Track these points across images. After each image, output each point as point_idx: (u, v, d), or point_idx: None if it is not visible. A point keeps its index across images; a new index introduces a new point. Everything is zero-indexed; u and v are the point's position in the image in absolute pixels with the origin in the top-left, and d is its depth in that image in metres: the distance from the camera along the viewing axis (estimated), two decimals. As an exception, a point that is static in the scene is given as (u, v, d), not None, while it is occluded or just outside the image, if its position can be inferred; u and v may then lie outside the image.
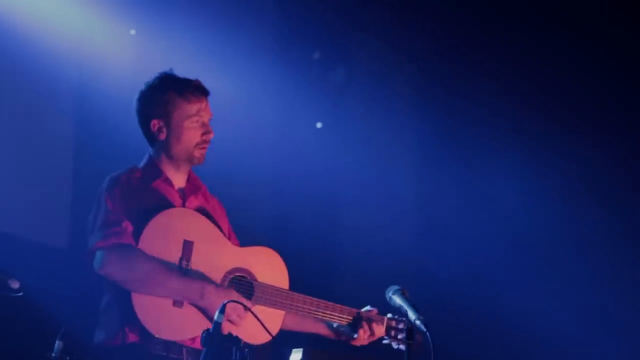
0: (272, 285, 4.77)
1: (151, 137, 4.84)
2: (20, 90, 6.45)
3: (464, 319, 7.08)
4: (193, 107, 4.78)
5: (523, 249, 7.24)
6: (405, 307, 4.30)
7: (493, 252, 7.24)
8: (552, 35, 7.24)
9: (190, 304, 4.56)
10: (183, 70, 4.92)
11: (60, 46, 6.54)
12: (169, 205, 4.72)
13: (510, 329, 7.03)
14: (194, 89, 4.81)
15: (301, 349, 4.34)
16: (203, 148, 4.81)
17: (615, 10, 7.10)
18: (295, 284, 4.88)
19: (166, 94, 4.78)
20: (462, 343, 6.87)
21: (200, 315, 4.56)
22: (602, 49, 7.13)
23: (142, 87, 4.84)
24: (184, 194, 4.85)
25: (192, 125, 4.78)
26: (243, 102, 6.98)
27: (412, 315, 4.24)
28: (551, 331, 7.08)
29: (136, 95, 4.85)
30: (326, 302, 4.88)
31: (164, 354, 4.52)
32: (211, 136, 4.82)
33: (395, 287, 4.43)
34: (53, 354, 4.40)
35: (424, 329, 4.16)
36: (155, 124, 4.79)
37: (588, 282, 7.08)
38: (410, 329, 4.16)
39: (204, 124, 4.81)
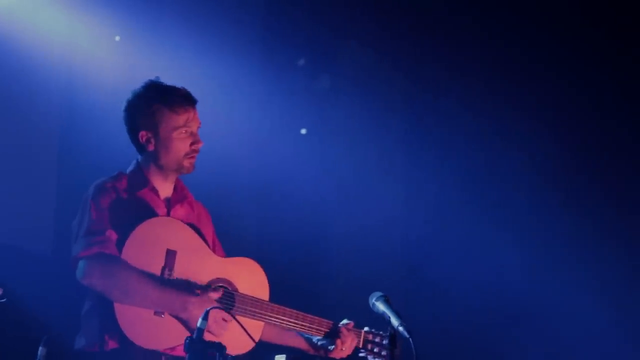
0: (252, 297, 4.78)
1: (139, 148, 4.82)
2: (4, 96, 6.44)
3: (449, 326, 7.09)
4: (181, 119, 4.75)
5: (513, 253, 7.25)
6: (388, 313, 4.31)
7: (481, 258, 7.26)
8: (538, 38, 7.27)
9: (172, 315, 4.56)
10: (168, 77, 4.92)
11: (45, 52, 6.53)
12: (153, 214, 4.71)
13: (498, 336, 7.05)
14: (182, 100, 4.78)
15: (284, 356, 4.35)
16: (192, 157, 4.79)
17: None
18: (280, 291, 4.89)
19: (153, 105, 4.75)
20: (446, 349, 6.89)
21: (180, 325, 4.56)
22: (590, 52, 7.18)
23: (129, 96, 4.81)
24: (170, 204, 4.84)
25: (180, 137, 4.76)
26: (227, 109, 6.97)
27: (395, 321, 4.24)
28: (540, 337, 7.10)
29: (123, 105, 4.82)
30: (304, 314, 4.89)
31: (143, 361, 4.53)
32: (200, 145, 4.80)
33: (379, 294, 4.44)
34: (36, 360, 4.40)
35: (407, 336, 4.17)
36: (143, 135, 4.77)
37: (579, 284, 7.12)
38: (393, 335, 4.17)
39: (192, 134, 4.79)
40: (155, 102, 4.75)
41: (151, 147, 4.77)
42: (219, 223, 5.09)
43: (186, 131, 4.77)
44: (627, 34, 7.16)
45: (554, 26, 7.23)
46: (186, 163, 4.79)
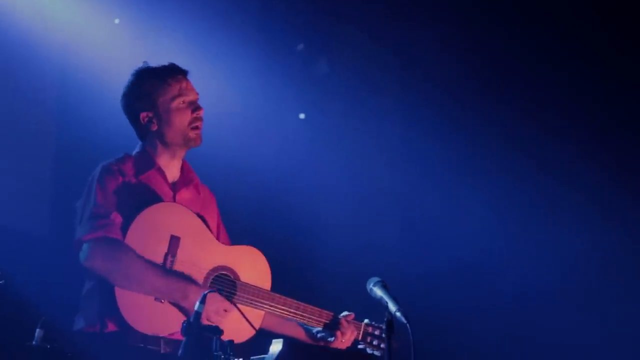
0: (254, 286, 4.78)
1: (144, 131, 4.84)
2: (2, 78, 6.42)
3: (445, 312, 7.09)
4: (174, 88, 4.80)
5: (506, 244, 7.26)
6: (386, 298, 4.31)
7: (475, 248, 7.26)
8: (541, 35, 7.27)
9: (172, 303, 4.57)
10: (166, 60, 4.94)
11: (44, 35, 6.52)
12: (158, 198, 4.73)
13: (491, 323, 7.06)
14: (170, 72, 4.84)
15: (281, 340, 4.35)
16: (197, 127, 4.81)
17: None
18: (276, 279, 4.89)
19: (145, 84, 4.81)
20: (442, 337, 6.91)
21: (181, 313, 4.57)
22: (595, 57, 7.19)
23: (123, 89, 4.86)
24: (176, 187, 4.85)
25: (179, 106, 4.79)
26: (225, 93, 6.97)
27: (392, 307, 4.24)
28: (533, 328, 7.11)
29: (120, 100, 4.87)
30: (305, 305, 4.91)
31: (142, 344, 4.53)
32: (202, 112, 4.83)
33: (376, 279, 4.45)
34: (33, 342, 4.39)
35: (404, 321, 4.17)
36: (144, 116, 4.81)
37: (571, 274, 7.14)
38: (390, 320, 4.17)
39: (191, 103, 4.82)
40: (146, 81, 4.82)
41: (154, 127, 4.81)
42: (219, 208, 5.09)
43: (184, 100, 4.81)
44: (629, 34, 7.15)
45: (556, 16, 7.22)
46: (192, 134, 4.81)
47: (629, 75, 7.16)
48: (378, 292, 4.38)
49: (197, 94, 4.87)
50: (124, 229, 4.55)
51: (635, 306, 7.01)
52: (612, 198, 7.13)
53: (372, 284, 4.44)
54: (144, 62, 4.91)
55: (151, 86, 4.80)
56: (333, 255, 7.33)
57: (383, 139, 7.66)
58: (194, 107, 4.83)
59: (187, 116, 4.80)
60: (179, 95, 4.80)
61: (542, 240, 7.31)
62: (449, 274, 7.19)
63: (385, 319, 4.21)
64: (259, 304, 4.78)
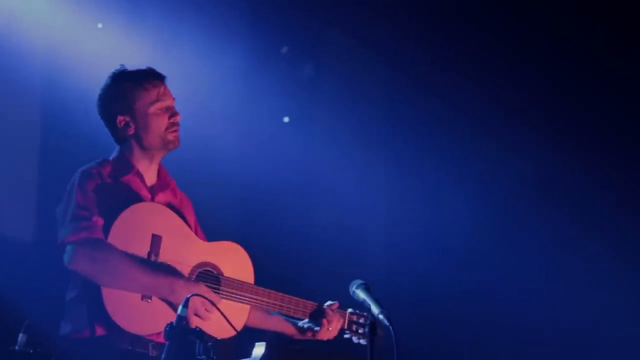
0: (238, 280, 4.80)
1: (121, 135, 4.83)
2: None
3: (430, 313, 7.11)
4: (152, 93, 4.78)
5: (493, 245, 7.26)
6: (369, 301, 4.31)
7: (462, 248, 7.27)
8: (525, 32, 7.29)
9: (160, 298, 4.57)
10: (151, 64, 4.93)
11: (26, 39, 6.50)
12: (138, 199, 4.73)
13: (476, 324, 7.07)
14: (149, 76, 4.82)
15: (264, 343, 4.36)
16: (174, 131, 4.81)
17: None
18: (262, 278, 4.90)
19: (122, 88, 4.79)
20: (425, 338, 6.91)
21: (169, 310, 4.56)
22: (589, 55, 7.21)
23: (99, 91, 4.85)
24: (154, 191, 4.86)
25: (156, 112, 4.78)
26: (210, 96, 6.96)
27: (375, 309, 4.25)
28: (519, 328, 7.12)
29: (96, 102, 4.86)
30: (290, 296, 4.92)
31: (130, 347, 4.52)
32: (178, 118, 4.83)
33: (359, 282, 4.45)
34: (17, 347, 4.38)
35: (387, 323, 4.17)
36: (121, 120, 4.80)
37: (556, 276, 7.16)
38: (373, 322, 4.17)
39: (168, 108, 4.81)
40: (123, 84, 4.79)
41: (131, 131, 4.80)
42: (201, 210, 5.11)
43: (161, 106, 4.79)
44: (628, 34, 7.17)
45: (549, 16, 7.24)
46: (170, 136, 4.81)
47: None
48: (361, 294, 4.39)
49: (174, 99, 4.86)
50: (106, 230, 4.55)
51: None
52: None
53: (354, 287, 4.44)
54: (121, 65, 4.88)
55: (128, 90, 4.78)
56: (318, 255, 7.33)
57: (369, 141, 7.66)
58: (171, 112, 4.82)
59: (164, 121, 4.79)
60: (157, 100, 4.79)
61: (528, 240, 7.32)
62: (436, 272, 7.20)
63: (368, 321, 4.21)
64: (244, 298, 4.80)
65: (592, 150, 7.20)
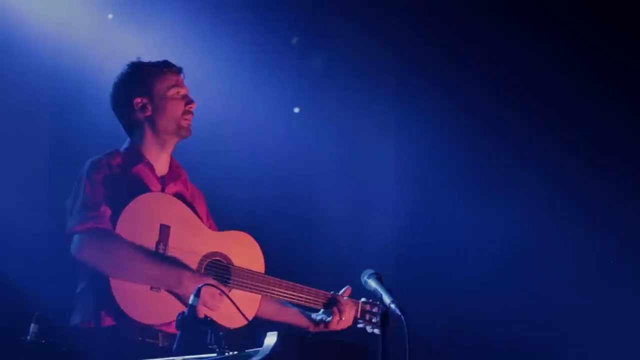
0: (248, 269, 4.79)
1: (134, 119, 4.86)
2: (-6, 75, 6.43)
3: (441, 303, 7.10)
4: (172, 78, 4.87)
5: (503, 240, 7.25)
6: (380, 291, 4.30)
7: (476, 235, 7.26)
8: (536, 24, 7.27)
9: (167, 290, 4.56)
10: (160, 55, 4.98)
11: (37, 30, 6.50)
12: (147, 190, 4.74)
13: (486, 316, 7.06)
14: (167, 65, 4.90)
15: (276, 332, 4.34)
16: (188, 118, 4.86)
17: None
18: (272, 268, 4.90)
19: (141, 72, 4.87)
20: (437, 328, 6.91)
21: (176, 301, 4.57)
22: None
23: (115, 80, 4.90)
24: (164, 181, 4.87)
25: (174, 96, 4.85)
26: (220, 87, 6.96)
27: (387, 299, 4.23)
28: (525, 320, 7.11)
29: (110, 91, 4.91)
30: (301, 285, 4.93)
31: (140, 338, 4.53)
32: (194, 106, 4.90)
33: (370, 271, 4.44)
34: (28, 338, 4.39)
35: (399, 313, 4.16)
36: (138, 101, 4.84)
37: (562, 277, 7.15)
38: (385, 312, 4.16)
39: (185, 96, 4.88)
40: (143, 69, 4.88)
41: (148, 112, 4.84)
42: (212, 202, 5.11)
43: (179, 91, 4.87)
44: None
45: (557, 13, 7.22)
46: (184, 123, 4.85)
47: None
48: (372, 284, 4.38)
49: (188, 90, 4.93)
50: (114, 221, 4.56)
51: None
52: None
53: (366, 276, 4.43)
54: (137, 57, 4.94)
55: (148, 74, 4.86)
56: (329, 245, 7.32)
57: (379, 131, 7.65)
58: (188, 99, 4.89)
59: (180, 106, 4.85)
60: (175, 85, 4.87)
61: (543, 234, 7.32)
62: (447, 261, 7.20)
63: (380, 311, 4.21)
64: (255, 287, 4.80)
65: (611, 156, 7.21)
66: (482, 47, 7.34)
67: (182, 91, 4.87)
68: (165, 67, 4.88)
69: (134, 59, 4.93)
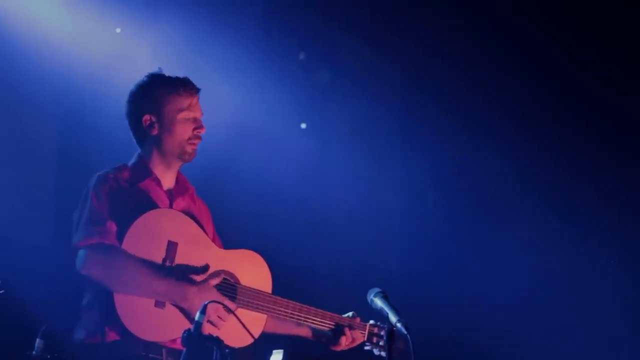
0: (255, 289, 4.78)
1: (142, 134, 4.84)
2: (4, 89, 6.43)
3: (446, 323, 7.09)
4: (185, 101, 4.80)
5: (516, 253, 7.25)
6: (387, 309, 4.31)
7: (483, 255, 7.26)
8: (541, 41, 7.29)
9: (173, 304, 4.56)
10: (168, 69, 4.94)
11: (45, 44, 6.52)
12: (154, 205, 4.72)
13: (493, 336, 7.05)
14: (185, 85, 4.83)
15: (281, 350, 4.35)
16: (194, 144, 4.82)
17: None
18: (278, 285, 4.89)
19: (158, 89, 4.81)
20: (443, 347, 6.89)
21: (181, 317, 4.56)
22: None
23: (132, 87, 4.86)
24: (172, 195, 4.85)
25: (183, 119, 4.80)
26: (227, 102, 6.97)
27: (393, 318, 4.24)
28: (535, 337, 7.11)
29: (126, 98, 4.86)
30: (308, 307, 4.90)
31: (144, 353, 4.52)
32: (203, 131, 4.84)
33: (377, 290, 4.45)
34: (33, 353, 4.39)
35: (405, 332, 4.17)
36: (147, 119, 4.80)
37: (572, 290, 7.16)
38: (391, 331, 4.16)
39: (195, 119, 4.83)
40: (159, 86, 4.82)
41: (155, 131, 4.80)
42: (218, 216, 5.10)
43: (189, 115, 4.81)
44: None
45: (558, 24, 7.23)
46: (188, 148, 4.81)
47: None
48: (379, 302, 4.39)
49: (202, 113, 4.87)
50: (120, 236, 4.54)
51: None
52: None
53: (372, 295, 4.44)
54: (159, 68, 4.91)
55: (162, 92, 4.80)
56: (336, 261, 7.32)
57: (385, 147, 7.65)
58: (197, 124, 4.83)
59: (188, 131, 4.80)
60: (187, 109, 4.81)
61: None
62: (449, 280, 7.19)
63: (386, 330, 4.21)
64: (261, 307, 4.78)
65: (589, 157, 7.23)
66: (490, 64, 7.36)
67: (193, 115, 4.82)
68: (182, 87, 4.81)
69: (156, 70, 4.89)
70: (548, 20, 7.24)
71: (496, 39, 7.29)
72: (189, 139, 4.80)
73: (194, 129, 4.81)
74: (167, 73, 4.90)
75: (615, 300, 7.13)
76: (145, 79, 4.85)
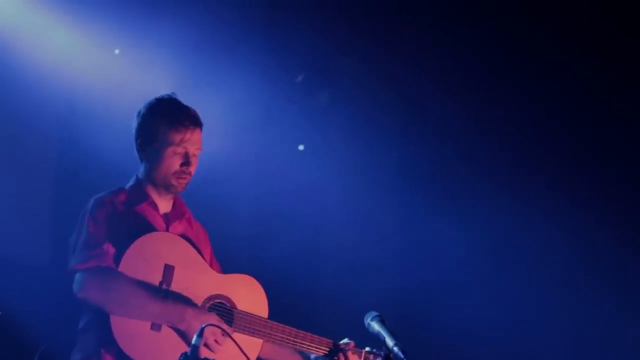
0: (251, 314, 4.78)
1: (139, 155, 4.85)
2: (3, 109, 6.45)
3: (444, 345, 7.08)
4: (177, 136, 4.75)
5: (506, 274, 7.26)
6: (384, 333, 4.31)
7: (476, 277, 7.26)
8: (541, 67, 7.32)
9: (170, 327, 4.56)
10: (167, 90, 4.95)
11: (44, 65, 6.54)
12: (151, 229, 4.72)
13: (492, 356, 7.06)
14: (185, 119, 4.79)
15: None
16: (182, 178, 4.79)
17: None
18: (275, 309, 4.89)
19: (155, 119, 4.79)
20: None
21: (177, 340, 4.56)
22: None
23: (140, 106, 4.85)
24: (168, 219, 4.85)
25: (171, 154, 4.76)
26: (225, 123, 6.97)
27: (390, 342, 4.24)
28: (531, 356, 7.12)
29: (136, 112, 4.86)
30: (304, 332, 4.89)
31: (140, 376, 4.53)
32: (191, 169, 4.80)
33: (374, 314, 4.45)
34: (31, 375, 4.41)
35: (402, 356, 4.17)
36: (140, 143, 4.82)
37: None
38: (388, 355, 4.17)
39: (185, 155, 4.78)
40: (158, 117, 4.79)
41: (145, 158, 4.82)
42: (216, 239, 5.10)
43: (178, 150, 4.77)
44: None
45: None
46: (174, 181, 4.79)
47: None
48: (375, 326, 4.39)
49: (200, 149, 4.82)
50: (117, 259, 4.55)
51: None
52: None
53: (369, 319, 4.44)
54: (173, 92, 4.89)
55: (158, 122, 4.78)
56: (333, 286, 7.32)
57: (383, 170, 7.65)
58: (185, 160, 4.78)
59: (174, 166, 4.77)
60: (178, 144, 4.75)
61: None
62: (448, 303, 7.19)
63: (383, 354, 4.21)
64: (257, 332, 4.78)
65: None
66: (486, 85, 7.38)
67: (183, 150, 4.77)
68: (178, 122, 4.76)
69: (167, 94, 4.88)
70: (548, 48, 7.28)
71: (495, 63, 7.31)
72: (175, 173, 4.77)
73: (181, 164, 4.77)
74: (161, 92, 4.90)
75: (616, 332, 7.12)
76: (154, 100, 4.84)
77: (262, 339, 4.79)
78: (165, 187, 4.82)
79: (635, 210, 7.17)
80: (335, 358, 4.93)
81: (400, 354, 4.18)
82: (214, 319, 4.59)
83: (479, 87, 7.37)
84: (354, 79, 7.61)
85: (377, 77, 7.55)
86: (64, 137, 6.69)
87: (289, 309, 5.11)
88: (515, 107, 7.35)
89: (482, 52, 7.31)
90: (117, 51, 6.90)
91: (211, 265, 4.90)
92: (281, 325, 4.83)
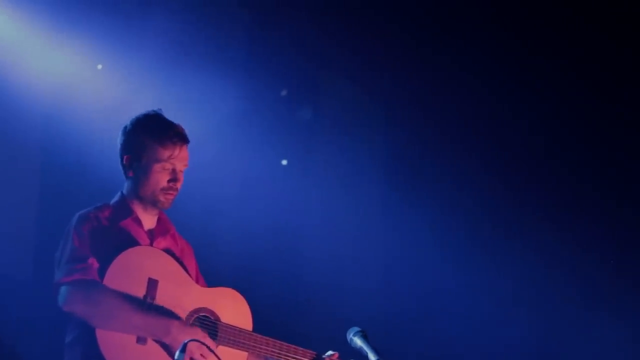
0: (235, 327, 4.80)
1: (124, 171, 4.87)
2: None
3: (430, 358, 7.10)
4: (165, 153, 4.79)
5: (494, 286, 7.28)
6: (366, 348, 4.33)
7: (461, 290, 7.28)
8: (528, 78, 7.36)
9: (155, 340, 4.57)
10: (149, 105, 4.97)
11: (27, 81, 6.53)
12: (135, 244, 4.75)
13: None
14: (172, 135, 4.82)
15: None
16: (169, 194, 4.82)
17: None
18: (259, 322, 4.91)
19: (142, 135, 4.81)
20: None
21: (163, 353, 4.58)
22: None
23: (131, 118, 4.86)
24: (153, 235, 4.87)
25: (159, 170, 4.79)
26: (208, 138, 6.96)
27: (372, 357, 4.26)
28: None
29: (121, 128, 4.87)
30: (288, 344, 4.90)
31: (126, 390, 4.53)
32: (178, 185, 4.83)
33: (356, 329, 4.46)
34: (15, 390, 4.40)
35: (385, 371, 4.19)
36: (127, 159, 4.83)
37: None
38: (371, 371, 4.19)
39: (173, 171, 4.82)
40: (145, 132, 4.81)
41: (131, 174, 4.84)
42: (200, 254, 5.11)
43: (166, 166, 4.80)
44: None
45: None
46: (162, 197, 4.82)
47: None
48: (358, 342, 4.41)
49: (186, 165, 4.86)
50: (101, 273, 4.57)
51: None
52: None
53: (352, 334, 4.46)
54: (159, 109, 4.91)
55: (146, 138, 4.80)
56: (317, 300, 7.32)
57: (367, 185, 7.65)
58: (173, 177, 4.82)
59: (162, 181, 4.80)
60: (166, 160, 4.79)
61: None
62: (433, 320, 7.20)
63: (366, 369, 4.23)
64: (242, 345, 4.80)
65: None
66: (478, 102, 7.40)
67: (171, 166, 4.80)
68: (166, 138, 4.79)
69: (154, 110, 4.89)
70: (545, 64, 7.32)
71: (481, 78, 7.34)
72: (162, 189, 4.80)
73: (168, 181, 4.80)
74: (144, 107, 4.92)
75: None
76: (140, 116, 4.86)
77: (246, 351, 4.82)
78: (152, 203, 4.84)
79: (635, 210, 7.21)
80: None
81: (383, 369, 4.20)
82: (199, 333, 4.61)
83: (470, 102, 7.39)
84: (338, 93, 7.62)
85: (361, 92, 7.56)
86: (48, 151, 6.67)
87: (273, 322, 5.11)
88: (500, 112, 7.39)
89: (471, 67, 7.33)
90: (100, 66, 6.90)
91: (197, 281, 4.92)
92: (265, 337, 4.85)
